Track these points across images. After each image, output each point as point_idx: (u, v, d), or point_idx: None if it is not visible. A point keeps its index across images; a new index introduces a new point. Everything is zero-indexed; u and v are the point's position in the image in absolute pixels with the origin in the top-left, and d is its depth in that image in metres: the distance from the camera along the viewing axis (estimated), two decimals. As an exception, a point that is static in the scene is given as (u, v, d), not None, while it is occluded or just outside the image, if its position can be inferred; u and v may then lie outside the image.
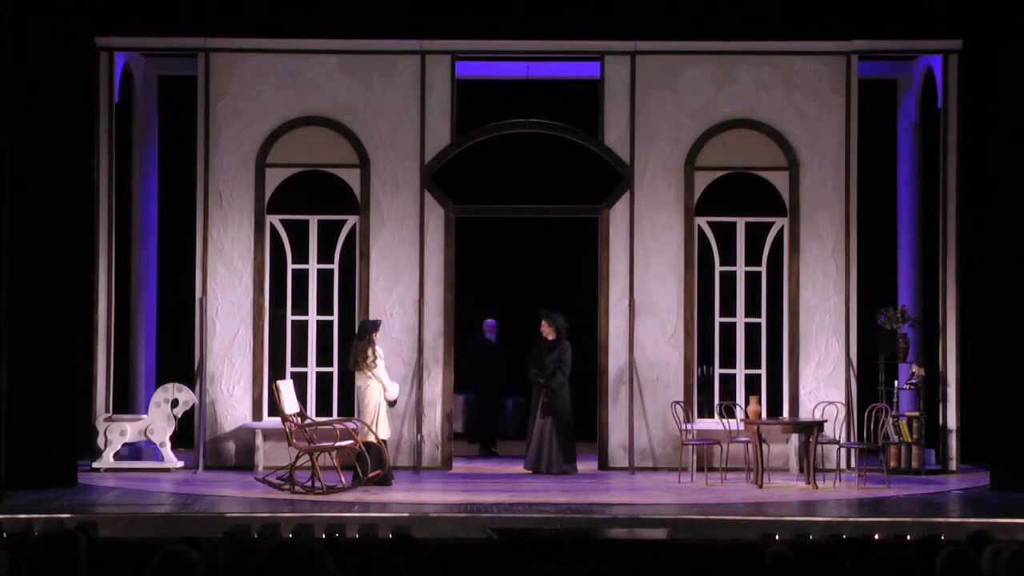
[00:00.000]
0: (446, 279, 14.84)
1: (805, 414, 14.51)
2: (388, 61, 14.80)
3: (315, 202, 14.87)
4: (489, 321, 15.51)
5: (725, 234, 14.90)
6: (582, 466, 14.53)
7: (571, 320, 14.53)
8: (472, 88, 15.00)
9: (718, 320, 14.92)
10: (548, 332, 14.24)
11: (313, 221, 14.88)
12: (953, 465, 14.43)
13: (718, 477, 13.61)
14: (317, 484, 12.55)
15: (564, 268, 16.86)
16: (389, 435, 13.40)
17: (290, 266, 14.89)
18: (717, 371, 14.91)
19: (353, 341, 13.43)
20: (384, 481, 12.89)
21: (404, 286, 14.81)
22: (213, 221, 14.77)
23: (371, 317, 13.82)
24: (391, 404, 13.33)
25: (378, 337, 13.40)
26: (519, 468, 14.40)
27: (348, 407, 14.71)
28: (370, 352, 13.20)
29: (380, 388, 13.23)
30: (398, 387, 13.60)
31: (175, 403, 14.36)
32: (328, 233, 14.88)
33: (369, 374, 13.19)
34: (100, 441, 14.31)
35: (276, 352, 14.84)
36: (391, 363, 14.70)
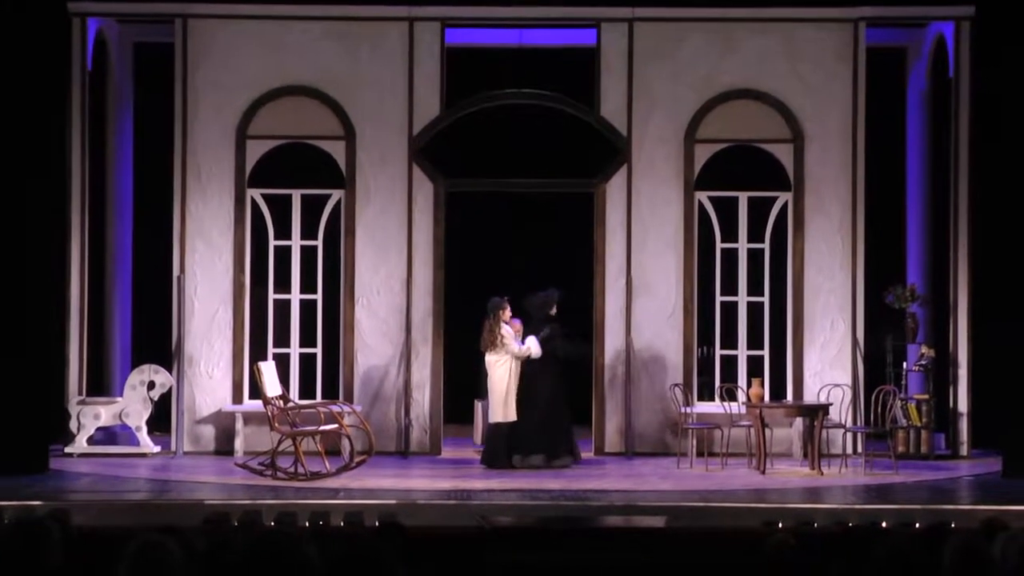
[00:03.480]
0: (435, 257, 14.82)
1: (809, 397, 14.52)
2: (375, 28, 14.75)
3: (298, 176, 14.84)
4: (514, 321, 15.23)
5: (726, 209, 14.89)
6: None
7: (566, 300, 14.50)
8: (462, 57, 14.96)
9: (719, 299, 14.92)
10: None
11: (296, 196, 14.85)
12: (964, 450, 14.46)
13: (718, 463, 13.63)
14: (300, 470, 12.55)
15: (558, 245, 16.85)
16: (516, 419, 13.44)
17: (272, 242, 14.86)
18: (718, 352, 14.92)
19: (484, 321, 13.61)
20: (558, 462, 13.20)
21: (391, 264, 14.80)
22: (191, 195, 14.73)
23: (494, 297, 13.80)
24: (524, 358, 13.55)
25: (507, 315, 13.53)
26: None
27: (332, 389, 14.71)
28: (497, 330, 13.34)
29: (509, 369, 13.45)
30: (533, 342, 13.59)
31: (151, 385, 14.35)
32: (312, 208, 14.86)
33: (500, 354, 13.33)
34: (73, 425, 14.30)
35: (257, 332, 14.83)
36: (377, 344, 14.70)
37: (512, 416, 13.43)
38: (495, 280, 15.54)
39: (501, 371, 13.48)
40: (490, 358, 13.55)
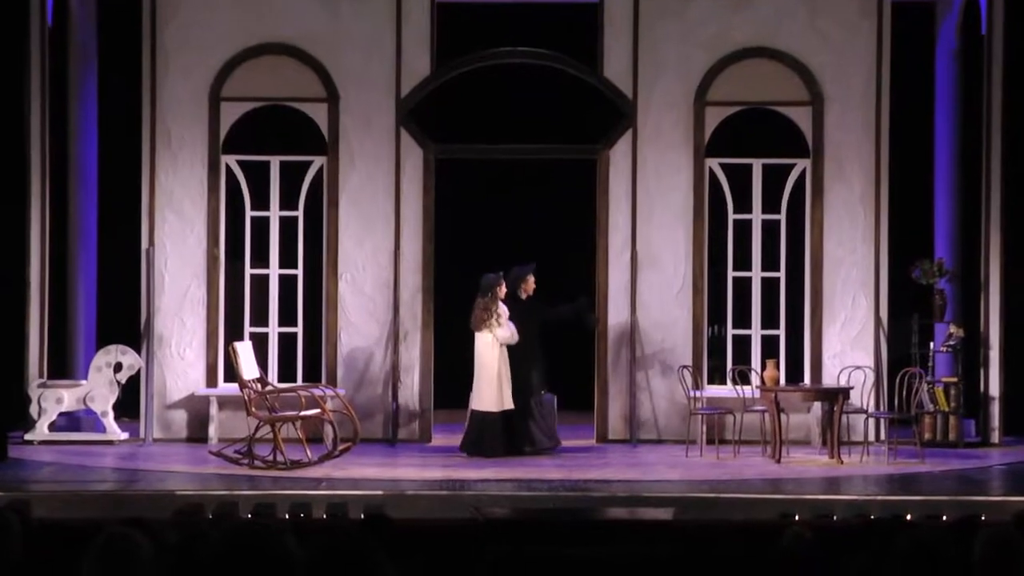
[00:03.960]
0: (425, 229, 14.82)
1: (829, 380, 14.54)
2: (359, -19, 14.73)
3: (277, 141, 14.83)
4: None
5: (739, 177, 14.89)
6: (579, 439, 14.56)
7: (567, 275, 14.51)
8: (454, 13, 14.93)
9: (731, 275, 14.93)
10: (531, 290, 14.05)
11: (275, 163, 14.84)
12: (995, 437, 14.49)
13: (730, 451, 13.66)
14: (279, 458, 12.57)
15: (558, 217, 16.85)
16: (513, 406, 13.48)
17: (248, 213, 14.85)
18: (730, 332, 14.94)
19: (476, 299, 13.61)
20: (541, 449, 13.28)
21: (378, 236, 14.79)
22: (161, 162, 14.71)
23: (489, 273, 13.78)
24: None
25: (502, 292, 13.52)
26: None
27: (314, 371, 14.72)
28: (494, 308, 13.44)
29: (503, 352, 13.44)
30: (513, 329, 13.64)
31: (118, 367, 14.36)
32: (292, 176, 14.84)
33: (491, 334, 13.41)
34: (33, 410, 14.30)
35: (233, 310, 14.83)
36: (362, 322, 14.71)
37: (509, 404, 13.43)
38: (489, 254, 15.51)
39: (494, 353, 13.49)
40: (482, 338, 13.56)
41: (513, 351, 13.63)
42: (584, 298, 14.25)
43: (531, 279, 13.94)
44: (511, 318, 13.71)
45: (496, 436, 13.40)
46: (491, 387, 13.50)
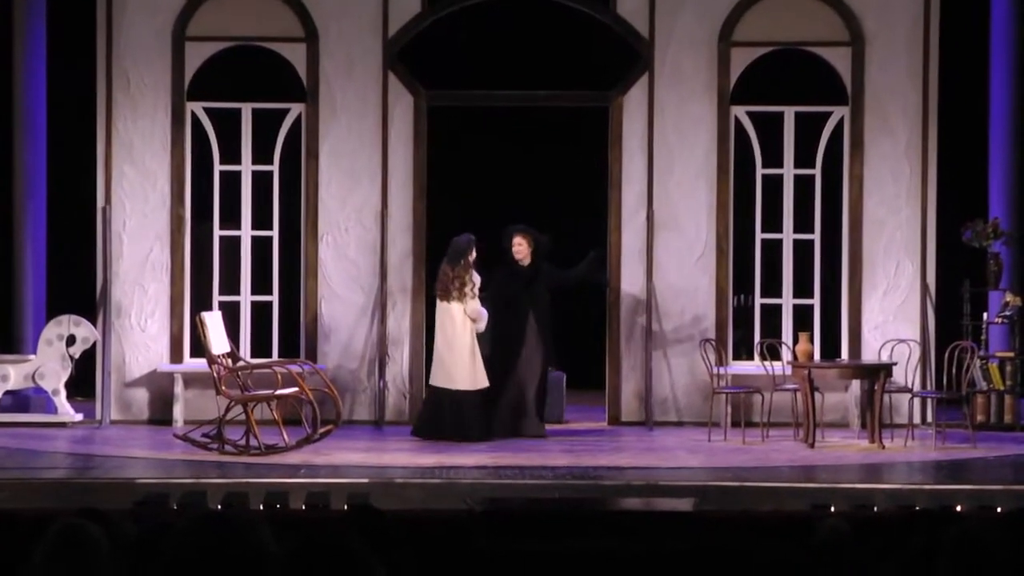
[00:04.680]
0: (416, 184, 14.81)
1: (869, 355, 14.56)
2: (341, -95, 14.70)
3: (249, 86, 14.81)
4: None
5: (769, 128, 14.86)
6: (588, 421, 14.58)
7: (575, 238, 14.51)
8: (448, -60, 14.89)
9: (760, 236, 14.92)
10: (525, 253, 13.95)
11: (247, 110, 14.82)
12: (1054, 419, 14.52)
13: (758, 434, 13.68)
14: (253, 442, 12.60)
15: (565, 171, 16.84)
16: (487, 384, 13.53)
17: (217, 167, 14.84)
18: (758, 301, 14.94)
19: (442, 266, 13.62)
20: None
21: (363, 193, 14.79)
22: (118, 110, 14.69)
23: (447, 236, 13.77)
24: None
25: (474, 258, 13.55)
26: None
27: (292, 346, 14.73)
28: (466, 276, 13.44)
29: (470, 324, 13.50)
30: (486, 315, 13.69)
31: (71, 340, 14.37)
32: (266, 126, 14.82)
33: (461, 305, 13.43)
34: (-22, 389, 14.34)
35: (201, 277, 14.83)
36: (345, 291, 14.71)
37: (484, 382, 13.43)
38: (488, 213, 15.49)
39: (466, 326, 13.45)
40: (450, 310, 13.49)
41: (523, 321, 13.60)
42: (595, 252, 14.24)
43: (518, 240, 13.81)
44: (507, 289, 13.69)
45: (477, 417, 13.40)
46: (464, 363, 13.45)
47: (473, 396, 13.45)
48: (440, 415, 13.47)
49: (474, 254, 13.61)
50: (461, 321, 13.53)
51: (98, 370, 14.64)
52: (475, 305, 13.55)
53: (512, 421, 13.69)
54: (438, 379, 13.56)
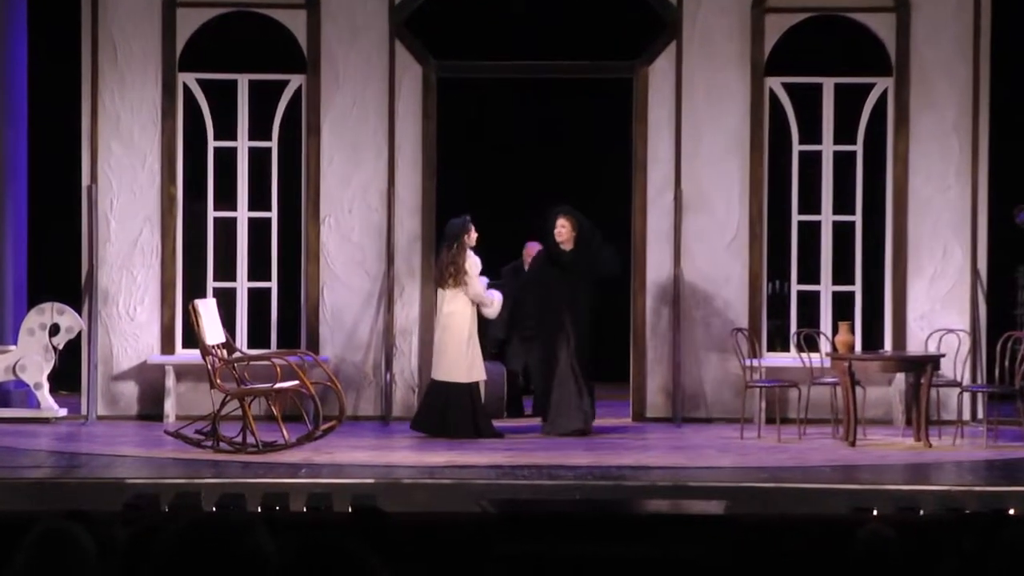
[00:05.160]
0: (424, 161, 14.81)
1: (915, 346, 14.54)
2: None
3: (246, 56, 14.81)
4: (532, 244, 15.09)
5: (807, 100, 14.84)
6: (611, 417, 14.60)
7: (597, 221, 14.48)
8: (460, -102, 14.90)
9: (796, 218, 14.91)
10: (567, 237, 13.90)
11: (243, 82, 14.83)
12: (1114, 416, 14.49)
13: (794, 431, 13.68)
14: (250, 440, 12.62)
15: (585, 148, 16.82)
16: (484, 377, 13.63)
17: (212, 143, 14.85)
18: (794, 288, 14.93)
19: (440, 251, 13.66)
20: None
21: (368, 171, 14.79)
22: (105, 82, 14.71)
23: (444, 218, 13.77)
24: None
25: (472, 239, 13.56)
26: (531, 422, 14.46)
27: (292, 335, 14.74)
28: (461, 260, 13.44)
29: (472, 311, 13.53)
30: (499, 299, 13.76)
31: (55, 330, 14.40)
32: (264, 98, 14.83)
33: (460, 292, 13.47)
34: (-46, 382, 14.38)
35: (194, 261, 14.85)
36: (349, 276, 14.73)
37: (480, 375, 13.45)
38: (502, 193, 15.55)
39: (465, 313, 13.46)
40: (450, 297, 13.53)
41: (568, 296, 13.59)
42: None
43: (561, 222, 13.78)
44: (544, 274, 13.68)
45: (464, 412, 13.40)
46: (458, 354, 13.46)
47: (464, 390, 13.45)
48: (433, 408, 13.52)
49: (472, 236, 13.59)
50: (460, 309, 13.52)
51: (83, 362, 14.66)
52: (477, 289, 13.55)
53: (552, 415, 13.64)
54: (435, 370, 13.62)
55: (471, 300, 13.56)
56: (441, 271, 13.60)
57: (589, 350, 13.81)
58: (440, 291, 13.65)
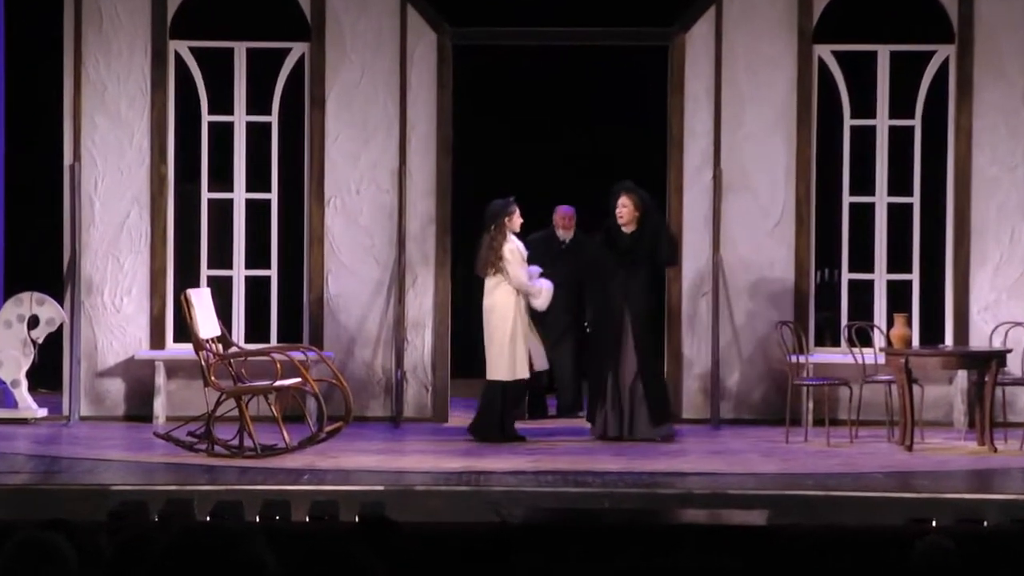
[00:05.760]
0: (440, 138, 14.81)
1: (979, 340, 14.52)
2: None
3: (243, 22, 14.82)
4: (564, 209, 15.02)
5: (859, 70, 14.82)
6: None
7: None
8: None
9: (847, 200, 14.89)
10: (630, 217, 13.71)
11: (240, 50, 14.84)
12: None
13: (845, 434, 13.66)
14: (247, 443, 12.64)
15: (616, 123, 16.80)
16: (527, 374, 13.56)
17: (206, 118, 14.87)
18: (845, 276, 14.91)
19: (482, 235, 13.61)
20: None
21: (377, 149, 14.80)
22: (89, 50, 14.72)
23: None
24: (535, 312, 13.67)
25: (515, 223, 13.49)
26: (555, 424, 14.45)
27: (293, 329, 14.76)
28: (497, 245, 13.40)
29: (514, 304, 13.44)
30: (548, 288, 13.65)
31: (34, 322, 14.42)
32: (263, 69, 14.84)
33: (503, 282, 13.44)
34: (-76, 379, 14.41)
35: (186, 247, 14.87)
36: (356, 264, 14.73)
37: (523, 372, 13.41)
38: (525, 172, 15.53)
39: (508, 303, 13.43)
40: (492, 286, 13.52)
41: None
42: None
43: (623, 201, 13.63)
44: (602, 259, 13.55)
45: (493, 412, 13.40)
46: (500, 350, 13.44)
47: (497, 388, 13.43)
48: (496, 410, 13.52)
49: (515, 219, 13.52)
50: (501, 301, 13.47)
51: (65, 357, 14.69)
52: (519, 277, 13.46)
53: (618, 420, 13.52)
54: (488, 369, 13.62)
55: (515, 291, 13.50)
56: (478, 257, 13.56)
57: (655, 346, 13.74)
58: (486, 280, 13.60)
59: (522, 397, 13.87)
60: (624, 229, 13.71)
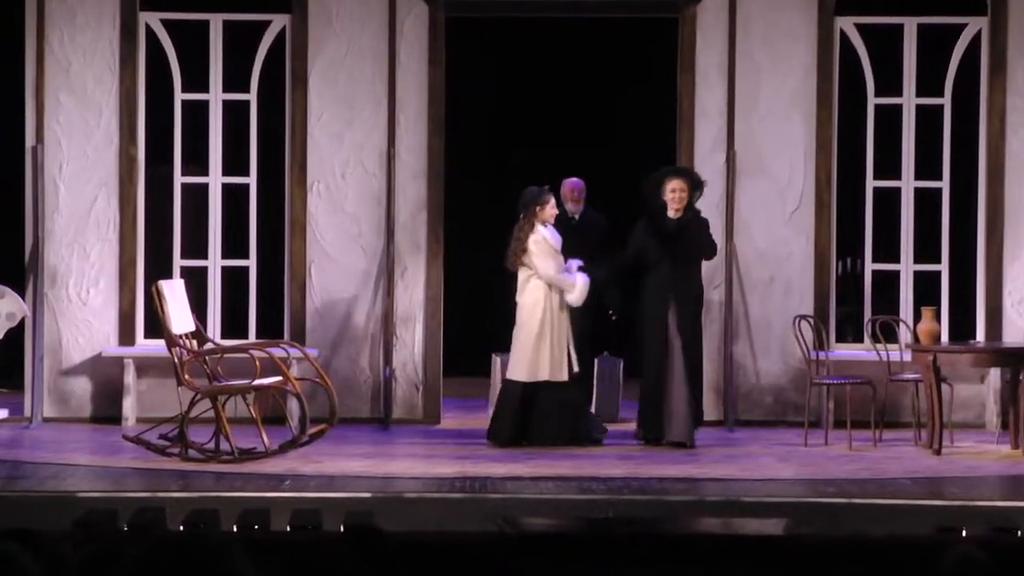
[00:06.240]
0: (431, 117, 14.81)
1: (1013, 336, 14.54)
2: None
3: (219, -8, 14.85)
4: (573, 181, 14.79)
5: (885, 45, 14.82)
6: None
7: (635, 187, 14.44)
8: None
9: (871, 184, 14.90)
10: (682, 203, 13.57)
11: (216, 23, 14.84)
12: None
13: (868, 437, 13.68)
14: (224, 446, 12.64)
15: (622, 101, 16.81)
16: (553, 375, 13.41)
17: (179, 96, 14.87)
18: (869, 267, 14.92)
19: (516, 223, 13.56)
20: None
21: (364, 129, 14.80)
22: (52, 22, 14.72)
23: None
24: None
25: (546, 213, 13.42)
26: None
27: (273, 324, 14.76)
28: (524, 235, 13.36)
29: (544, 297, 13.39)
30: (583, 282, 13.49)
31: (-5, 317, 14.43)
32: (241, 43, 14.84)
33: (533, 276, 13.38)
34: None
35: (158, 235, 14.87)
36: (342, 254, 14.74)
37: (544, 373, 13.32)
38: (524, 153, 15.53)
39: (535, 299, 13.40)
40: (521, 279, 13.49)
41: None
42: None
43: (679, 185, 13.50)
44: (648, 248, 13.38)
45: (507, 417, 13.37)
46: (524, 347, 13.43)
47: (516, 389, 13.41)
48: (511, 412, 13.50)
49: (548, 209, 13.37)
50: (530, 299, 13.37)
51: (27, 354, 14.69)
52: (547, 270, 13.33)
53: (659, 420, 13.43)
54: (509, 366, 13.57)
55: (547, 285, 13.41)
56: (511, 248, 13.47)
57: (700, 344, 13.64)
58: (518, 273, 13.54)
59: (555, 402, 13.53)
60: (670, 214, 13.57)
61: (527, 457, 12.88)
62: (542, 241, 13.43)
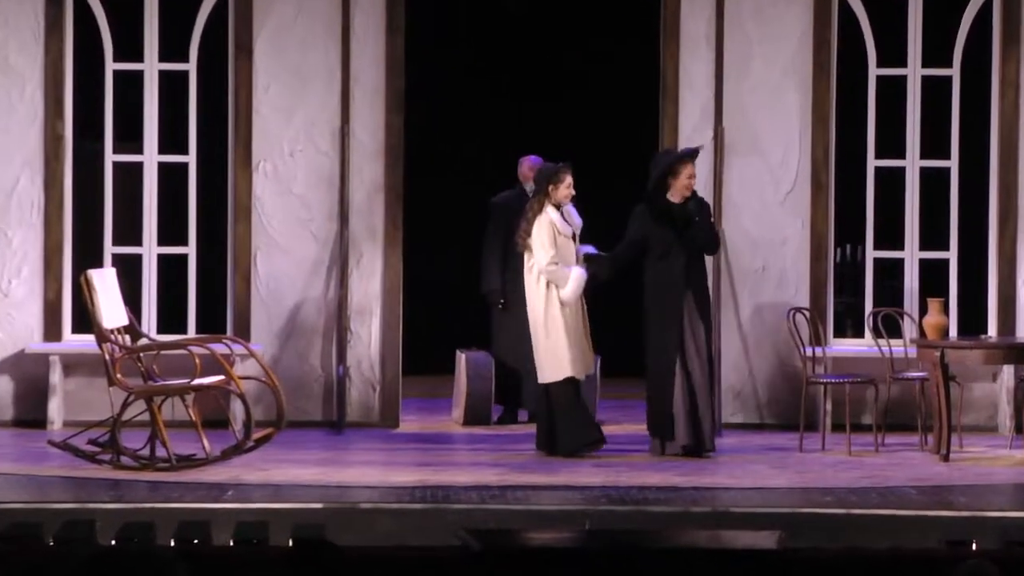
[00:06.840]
0: (389, 91, 14.81)
1: (1026, 331, 14.59)
2: None
3: (154, -48, 14.84)
4: (532, 159, 14.69)
5: (887, 11, 14.85)
6: (632, 423, 14.61)
7: (615, 166, 14.52)
8: None
9: (873, 164, 14.92)
10: (690, 191, 13.41)
11: (151, -14, 14.85)
12: None
13: (870, 441, 13.71)
14: (160, 452, 12.64)
15: (601, 73, 16.82)
16: (570, 373, 13.34)
17: (110, 66, 14.85)
18: (870, 254, 14.95)
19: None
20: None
21: (315, 103, 14.79)
22: (-29, -15, 14.71)
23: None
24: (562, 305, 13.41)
25: (560, 193, 13.31)
26: (527, 430, 14.44)
27: (215, 318, 14.74)
28: (532, 215, 13.28)
29: (544, 292, 13.35)
30: (577, 277, 13.36)
31: (-92, 310, 14.41)
32: (179, 7, 14.83)
33: (531, 258, 13.33)
34: None
35: (87, 219, 14.85)
36: (291, 240, 14.73)
37: (566, 369, 13.20)
38: (491, 130, 15.52)
39: (539, 291, 13.26)
40: (526, 266, 13.38)
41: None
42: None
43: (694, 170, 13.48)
44: (658, 235, 13.27)
45: (571, 422, 13.26)
46: (537, 345, 13.27)
47: (544, 393, 13.36)
48: (539, 419, 13.52)
49: (563, 188, 13.13)
50: (530, 286, 13.29)
51: (-56, 351, 14.70)
52: (540, 260, 13.25)
53: (691, 428, 13.33)
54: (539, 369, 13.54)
55: (541, 269, 13.30)
56: (519, 233, 13.36)
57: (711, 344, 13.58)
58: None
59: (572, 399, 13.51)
60: (673, 199, 13.44)
61: (493, 464, 12.88)
62: (547, 226, 13.23)
